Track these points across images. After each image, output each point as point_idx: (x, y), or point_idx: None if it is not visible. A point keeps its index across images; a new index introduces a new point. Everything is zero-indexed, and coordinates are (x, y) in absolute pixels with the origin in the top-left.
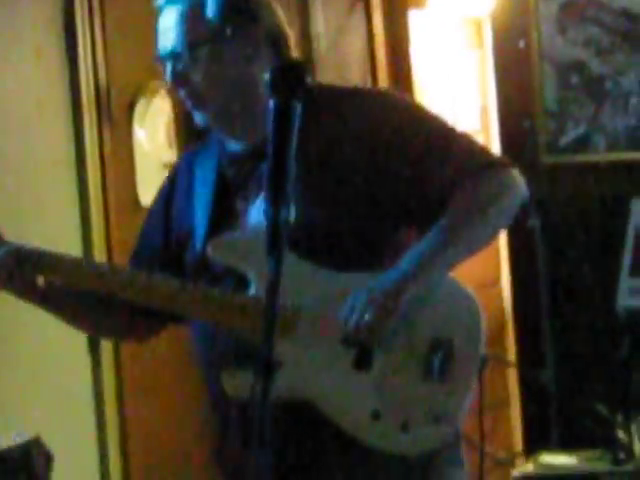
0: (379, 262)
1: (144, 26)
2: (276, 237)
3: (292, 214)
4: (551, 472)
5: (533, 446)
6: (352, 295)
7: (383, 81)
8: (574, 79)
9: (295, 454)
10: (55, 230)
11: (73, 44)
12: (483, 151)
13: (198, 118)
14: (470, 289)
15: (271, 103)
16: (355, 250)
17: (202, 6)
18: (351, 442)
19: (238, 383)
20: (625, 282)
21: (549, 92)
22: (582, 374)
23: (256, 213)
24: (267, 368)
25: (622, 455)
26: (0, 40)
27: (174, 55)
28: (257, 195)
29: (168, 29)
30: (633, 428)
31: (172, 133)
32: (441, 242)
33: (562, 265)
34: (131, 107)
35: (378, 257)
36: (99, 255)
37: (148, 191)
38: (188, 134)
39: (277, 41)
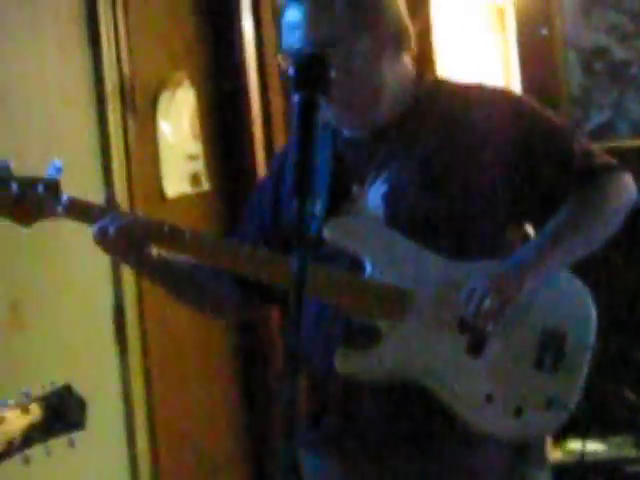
0: (494, 255)
1: (167, 18)
2: (301, 231)
3: (317, 208)
4: (578, 459)
5: (560, 433)
6: (473, 279)
7: None
8: (598, 65)
9: (404, 430)
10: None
11: (96, 37)
12: (597, 153)
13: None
14: (582, 283)
15: (295, 97)
16: (472, 240)
17: (330, 4)
18: (458, 426)
19: (352, 362)
20: None
21: (573, 78)
22: (609, 360)
23: (373, 197)
24: (293, 358)
25: None
26: (23, 34)
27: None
28: (375, 179)
29: (295, 26)
30: None
31: (196, 125)
32: (561, 235)
33: (591, 254)
34: (155, 99)
35: (493, 250)
36: None
37: (173, 183)
38: (212, 126)
39: (401, 34)
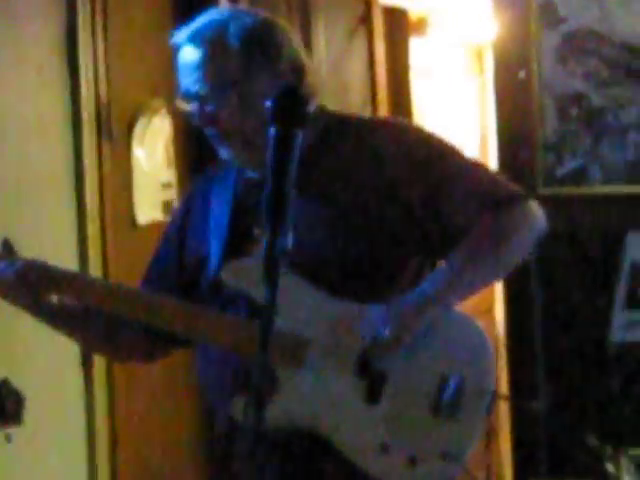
0: (393, 293)
1: (146, 45)
2: (272, 265)
3: (289, 242)
4: None
5: (523, 475)
6: (370, 310)
7: (383, 106)
8: (573, 111)
9: (301, 476)
10: (52, 246)
11: (75, 62)
12: (501, 183)
13: (224, 153)
14: (479, 324)
15: (271, 131)
16: (370, 280)
17: (225, 44)
18: (356, 473)
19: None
20: (618, 315)
21: (548, 123)
22: (573, 405)
23: None
24: (259, 396)
25: None
26: (2, 56)
27: (201, 96)
28: None
29: (191, 68)
30: (622, 461)
31: (171, 153)
32: (459, 269)
33: (556, 296)
34: (131, 126)
35: (392, 288)
36: (95, 272)
37: (145, 211)
38: (186, 155)
39: (299, 71)
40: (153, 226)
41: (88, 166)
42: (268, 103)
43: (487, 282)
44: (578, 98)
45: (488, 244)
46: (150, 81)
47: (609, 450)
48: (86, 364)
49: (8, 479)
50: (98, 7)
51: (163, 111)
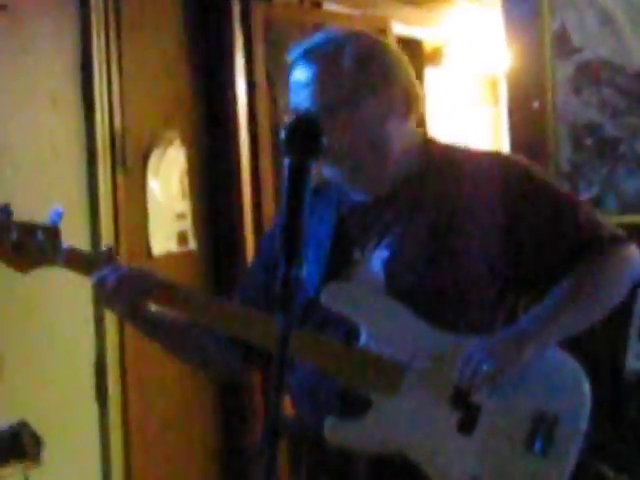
0: (492, 327)
1: (161, 76)
2: (287, 295)
3: (303, 273)
4: None
5: None
6: (470, 346)
7: None
8: (588, 141)
9: None
10: (66, 278)
11: (89, 92)
12: (604, 224)
13: (327, 172)
14: (577, 364)
15: (285, 162)
16: (473, 311)
17: (339, 63)
18: None
19: (340, 431)
20: (634, 345)
21: (562, 153)
22: (588, 435)
23: (375, 263)
24: (274, 428)
25: None
26: (17, 87)
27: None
28: (377, 245)
29: (302, 85)
30: None
31: (185, 184)
32: (563, 307)
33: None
34: (145, 156)
35: (491, 322)
36: None
37: (160, 241)
38: (201, 186)
39: (409, 98)
40: (168, 257)
41: (103, 196)
42: (281, 134)
43: (584, 324)
44: (592, 128)
45: (590, 286)
46: (165, 112)
47: None
48: (100, 398)
49: None
50: (112, 39)
51: (177, 142)
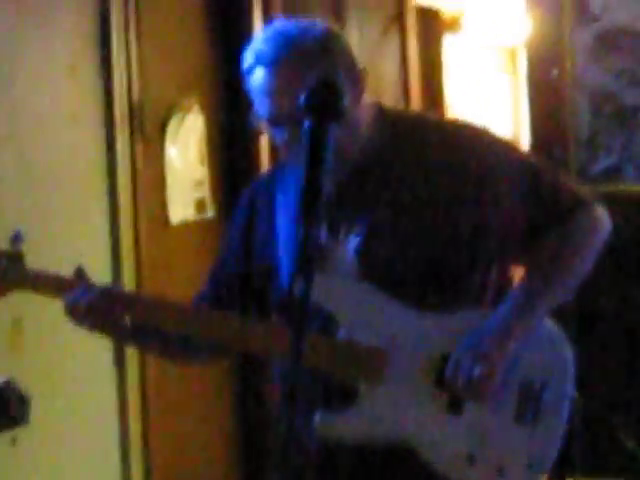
0: (469, 301)
1: (179, 44)
2: (305, 259)
3: (322, 237)
4: None
5: (557, 475)
6: (456, 351)
7: (416, 104)
8: (606, 108)
9: None
10: (85, 246)
11: (108, 61)
12: (571, 187)
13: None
14: (557, 329)
15: (306, 124)
16: (452, 288)
17: (311, 59)
18: None
19: (331, 423)
20: None
21: (581, 121)
22: (610, 405)
23: (347, 249)
24: (292, 399)
25: None
26: (36, 57)
27: (294, 119)
28: (348, 231)
29: (277, 91)
30: None
31: (204, 151)
32: (540, 286)
33: (590, 294)
34: (164, 124)
35: (476, 295)
36: (128, 272)
37: (178, 209)
38: (219, 152)
39: (360, 72)
40: (185, 225)
41: (121, 164)
42: (302, 96)
43: (568, 289)
44: (611, 96)
45: (567, 253)
46: (183, 79)
47: None
48: (119, 364)
49: None
50: (131, 6)
51: (196, 109)
